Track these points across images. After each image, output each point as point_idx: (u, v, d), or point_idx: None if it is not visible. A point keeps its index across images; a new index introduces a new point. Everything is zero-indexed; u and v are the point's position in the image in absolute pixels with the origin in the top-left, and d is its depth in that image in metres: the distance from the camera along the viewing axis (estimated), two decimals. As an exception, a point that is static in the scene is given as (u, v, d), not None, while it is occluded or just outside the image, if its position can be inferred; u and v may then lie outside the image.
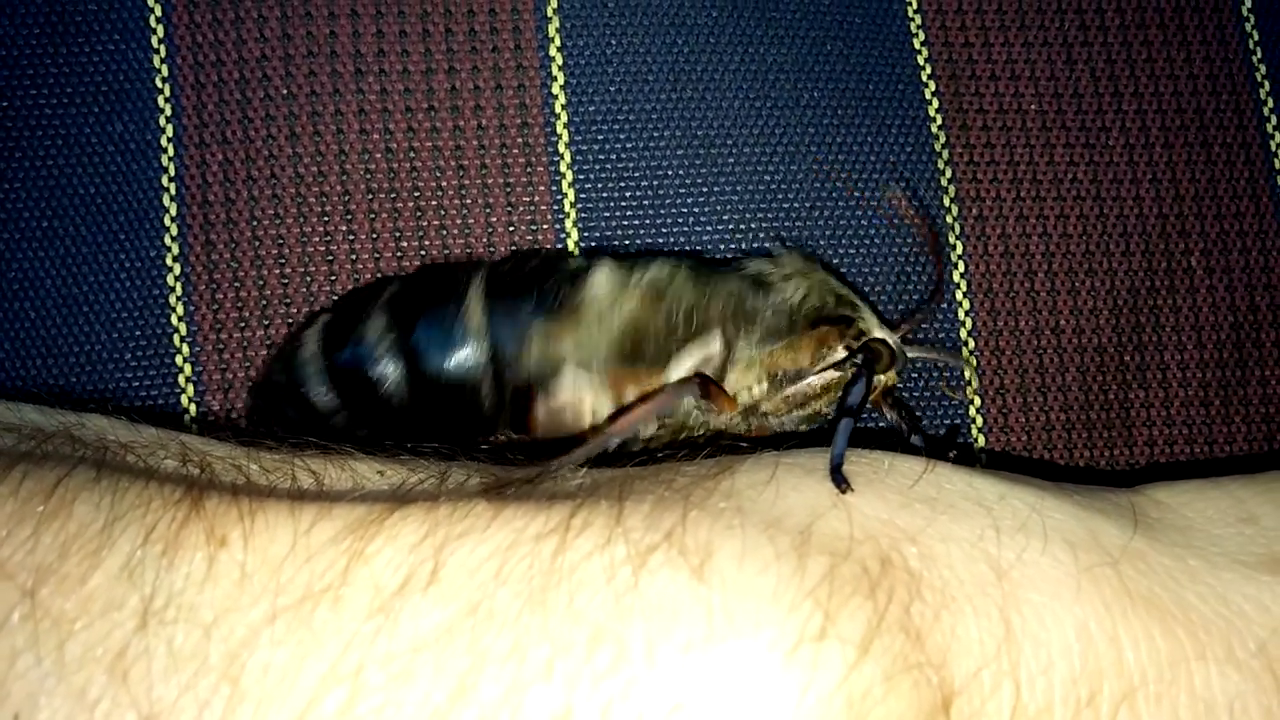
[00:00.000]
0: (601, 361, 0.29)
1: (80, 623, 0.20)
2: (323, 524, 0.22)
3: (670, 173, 0.33)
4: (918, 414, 0.33)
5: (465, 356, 0.29)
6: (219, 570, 0.21)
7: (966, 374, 0.33)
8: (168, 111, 0.32)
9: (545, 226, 0.33)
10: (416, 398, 0.29)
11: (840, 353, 0.30)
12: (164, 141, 0.32)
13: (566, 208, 0.33)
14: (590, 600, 0.21)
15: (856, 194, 0.34)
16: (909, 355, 0.31)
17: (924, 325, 0.33)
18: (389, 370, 0.29)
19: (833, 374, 0.30)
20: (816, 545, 0.22)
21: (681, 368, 0.29)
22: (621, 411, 0.29)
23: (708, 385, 0.29)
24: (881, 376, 0.30)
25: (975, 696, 0.21)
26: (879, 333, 0.30)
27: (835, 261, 0.34)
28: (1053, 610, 0.22)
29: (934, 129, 0.34)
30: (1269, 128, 0.35)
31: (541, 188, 0.33)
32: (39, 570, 0.21)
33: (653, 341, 0.29)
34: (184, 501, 0.22)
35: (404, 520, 0.22)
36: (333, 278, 0.32)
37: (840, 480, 0.24)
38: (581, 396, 0.29)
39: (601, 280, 0.30)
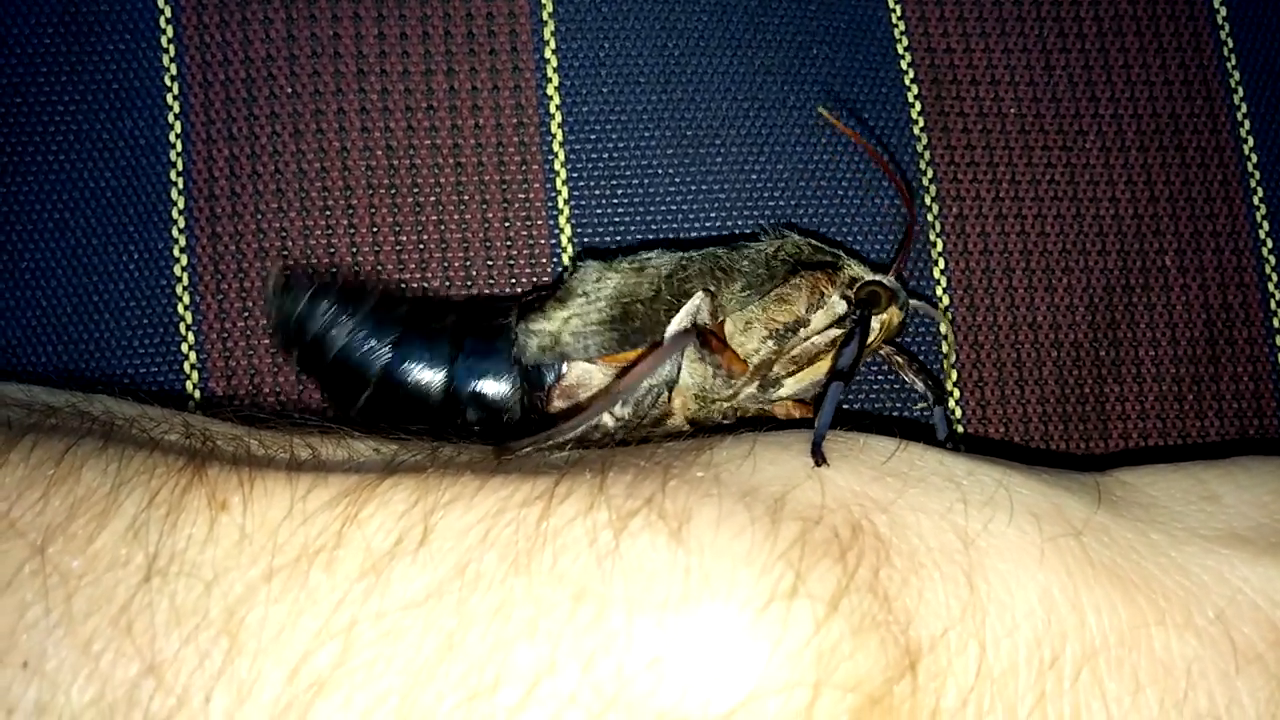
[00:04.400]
0: (595, 338, 0.30)
1: (87, 578, 0.21)
2: (318, 490, 0.23)
3: (661, 171, 0.34)
4: (900, 393, 0.34)
5: (503, 388, 0.31)
6: (219, 532, 0.22)
7: (943, 329, 0.34)
8: (176, 109, 0.34)
9: (539, 222, 0.34)
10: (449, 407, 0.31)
11: (839, 303, 0.31)
12: (172, 138, 0.33)
13: (560, 204, 0.34)
14: (573, 562, 0.22)
15: (842, 192, 0.35)
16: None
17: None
18: (435, 380, 0.31)
19: (836, 331, 0.30)
20: (790, 512, 0.23)
21: (669, 332, 0.30)
22: (626, 373, 0.30)
23: (707, 337, 0.29)
24: (885, 315, 0.31)
25: (942, 656, 0.22)
26: (869, 276, 0.31)
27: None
28: (1017, 577, 0.23)
29: (916, 130, 0.35)
30: (1242, 132, 0.36)
31: (536, 185, 0.34)
32: (48, 529, 0.22)
33: (641, 312, 0.30)
34: (187, 469, 0.23)
35: (395, 487, 0.23)
36: (334, 270, 0.33)
37: (819, 454, 0.25)
38: (589, 376, 0.30)
39: (585, 269, 0.31)
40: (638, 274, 0.31)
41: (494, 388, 0.31)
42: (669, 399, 0.30)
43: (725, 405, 0.31)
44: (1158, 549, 0.24)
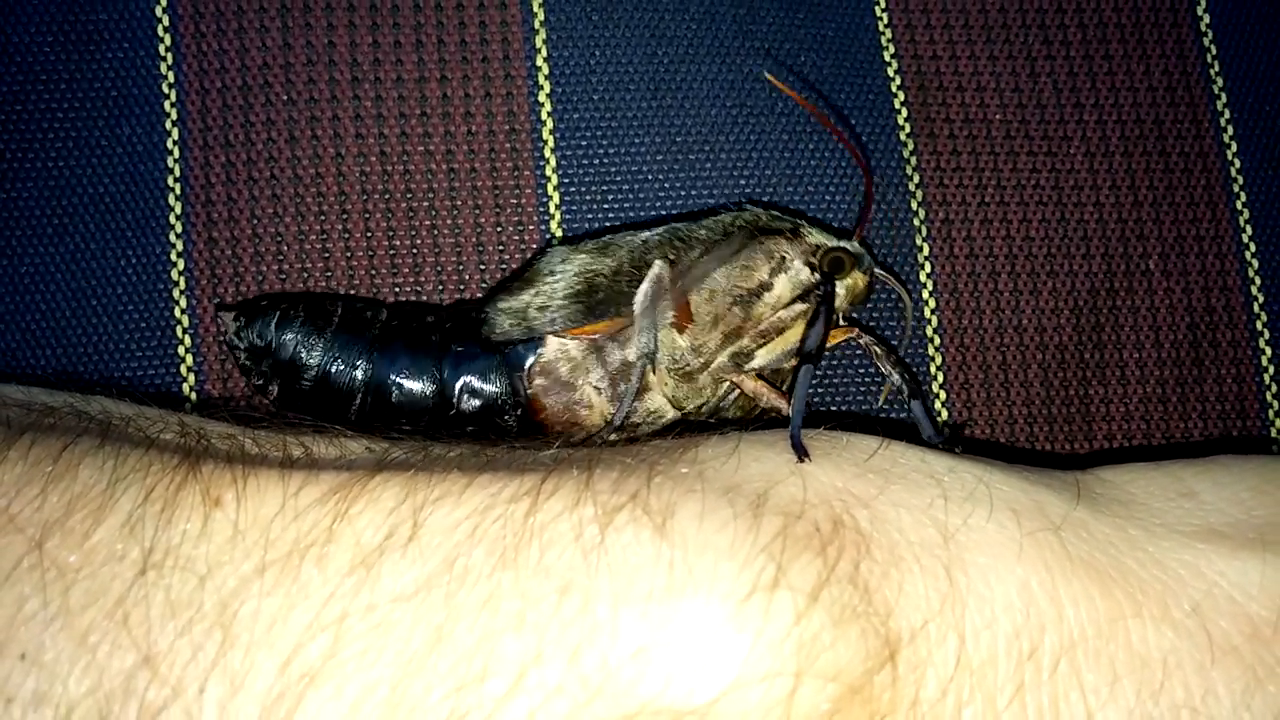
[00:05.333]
0: (561, 312, 0.31)
1: (84, 572, 0.22)
2: (310, 487, 0.23)
3: (651, 177, 0.35)
4: (883, 393, 0.35)
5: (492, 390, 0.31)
6: (213, 527, 0.22)
7: (905, 300, 0.34)
8: (174, 116, 0.34)
9: (531, 227, 0.35)
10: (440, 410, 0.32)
11: (803, 269, 0.31)
12: (170, 144, 0.34)
13: (551, 209, 0.35)
14: (559, 556, 0.22)
15: (829, 198, 0.35)
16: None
17: (890, 325, 0.35)
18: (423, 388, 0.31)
19: (801, 305, 0.31)
20: (772, 507, 0.23)
21: (639, 303, 0.30)
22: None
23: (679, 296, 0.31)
24: (849, 280, 0.31)
25: (922, 647, 0.22)
26: (831, 242, 0.31)
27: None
28: (996, 570, 0.23)
29: (903, 136, 0.36)
30: (1225, 137, 0.37)
31: (528, 190, 0.35)
32: (46, 524, 0.22)
33: (604, 284, 0.31)
34: (182, 466, 0.23)
35: (385, 484, 0.23)
36: (328, 274, 0.34)
37: (799, 446, 0.25)
38: (565, 351, 0.31)
39: (551, 252, 0.32)
40: (601, 252, 0.32)
41: (481, 376, 0.31)
42: (652, 370, 0.31)
43: (702, 376, 0.31)
44: (1136, 544, 0.25)
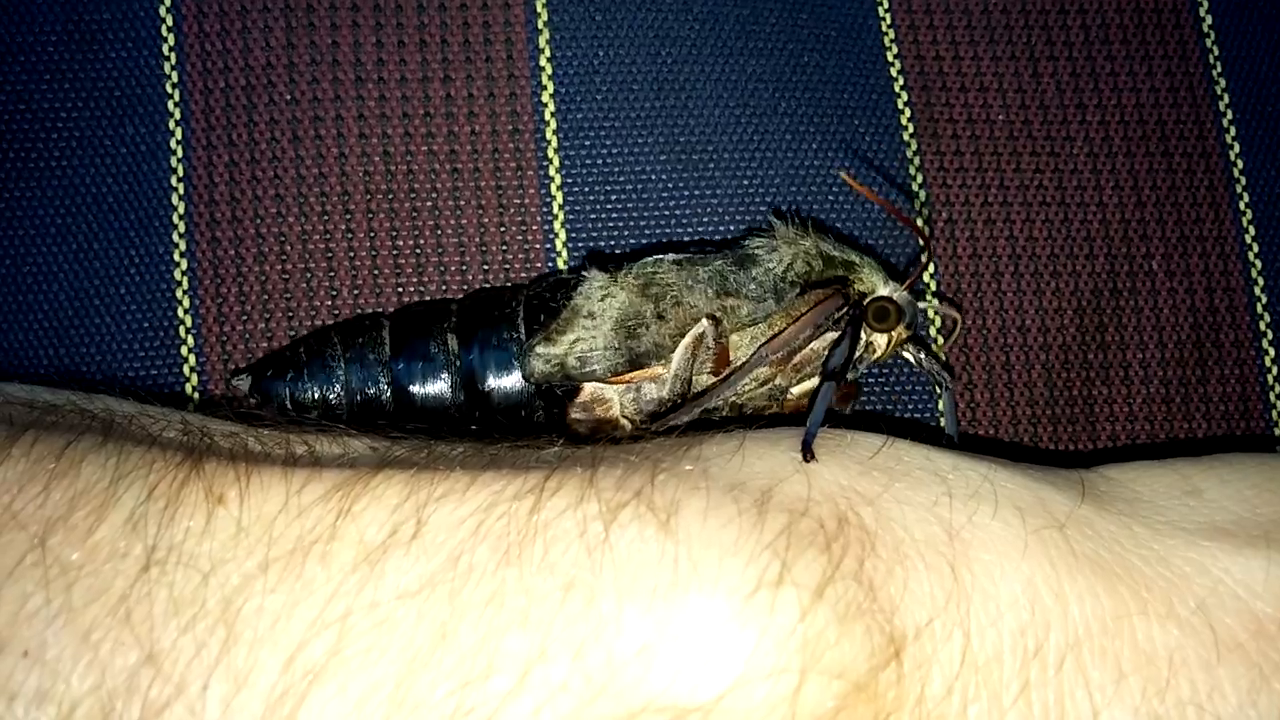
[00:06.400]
0: (602, 362, 0.31)
1: (86, 569, 0.22)
2: (313, 484, 0.23)
3: (654, 177, 0.35)
4: (887, 392, 0.35)
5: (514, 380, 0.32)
6: (216, 524, 0.22)
7: (957, 323, 0.34)
8: (177, 115, 0.34)
9: (534, 227, 0.35)
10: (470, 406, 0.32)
11: (846, 315, 0.31)
12: (173, 144, 0.34)
13: (555, 209, 0.35)
14: (564, 553, 0.22)
15: (831, 198, 0.35)
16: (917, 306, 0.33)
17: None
18: (447, 384, 0.31)
19: (831, 336, 0.31)
20: (776, 504, 0.23)
21: (678, 359, 0.30)
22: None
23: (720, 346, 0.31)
24: (892, 333, 0.31)
25: (927, 644, 0.22)
26: (882, 289, 0.31)
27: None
28: (1001, 567, 0.23)
29: (906, 137, 0.36)
30: (1228, 138, 0.37)
31: (531, 190, 0.35)
32: (49, 522, 0.22)
33: (648, 334, 0.31)
34: (185, 463, 0.23)
35: (389, 481, 0.23)
36: (331, 274, 0.34)
37: (809, 450, 0.25)
38: (600, 393, 0.31)
39: (589, 284, 0.31)
40: (642, 292, 0.31)
41: (508, 376, 0.31)
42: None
43: (730, 402, 0.31)
44: (1140, 541, 0.25)
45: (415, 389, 0.31)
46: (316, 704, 0.21)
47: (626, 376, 0.31)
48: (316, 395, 0.31)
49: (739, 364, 0.30)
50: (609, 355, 0.31)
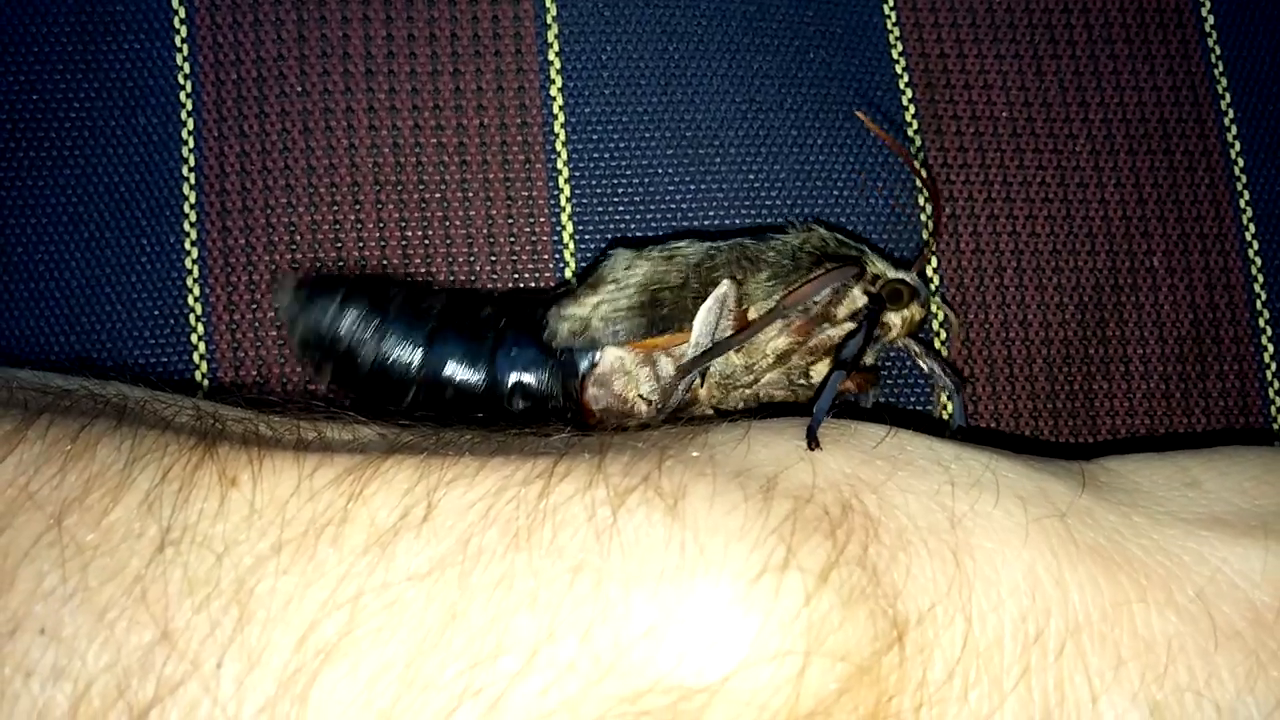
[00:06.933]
0: (624, 323, 0.31)
1: (102, 549, 0.22)
2: (324, 468, 0.24)
3: (660, 171, 0.35)
4: (890, 383, 0.35)
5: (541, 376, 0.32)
6: (230, 506, 0.23)
7: (954, 327, 0.35)
8: (189, 106, 0.35)
9: (542, 220, 0.35)
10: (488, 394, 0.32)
11: (860, 296, 0.31)
12: (185, 134, 0.34)
13: (562, 202, 0.35)
14: (572, 537, 0.23)
15: (837, 192, 0.36)
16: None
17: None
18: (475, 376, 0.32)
19: (851, 324, 0.31)
20: (782, 491, 0.24)
21: (700, 320, 0.30)
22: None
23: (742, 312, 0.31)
24: (906, 312, 0.32)
25: (929, 629, 0.23)
26: (893, 273, 0.32)
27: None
28: (1003, 554, 0.24)
29: (910, 133, 0.36)
30: (1229, 137, 0.37)
31: (539, 183, 0.35)
32: (65, 502, 0.22)
33: (669, 299, 0.31)
34: (198, 447, 0.24)
35: (399, 466, 0.24)
36: (341, 264, 0.34)
37: (814, 438, 0.25)
38: (621, 364, 0.31)
39: (616, 257, 0.32)
40: (667, 262, 0.32)
41: (537, 378, 0.31)
42: (701, 383, 0.31)
43: (746, 392, 0.31)
44: (1140, 530, 0.25)
45: (448, 369, 0.31)
46: (328, 683, 0.21)
47: (649, 342, 0.31)
48: (346, 328, 0.31)
49: (757, 320, 0.31)
50: (631, 316, 0.31)
